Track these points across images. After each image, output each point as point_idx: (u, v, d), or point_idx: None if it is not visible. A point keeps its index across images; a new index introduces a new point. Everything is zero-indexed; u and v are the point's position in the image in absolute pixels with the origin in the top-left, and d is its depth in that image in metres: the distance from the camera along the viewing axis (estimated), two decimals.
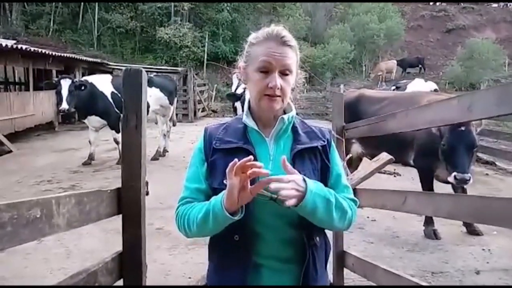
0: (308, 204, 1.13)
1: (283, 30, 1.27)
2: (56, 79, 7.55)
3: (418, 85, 9.48)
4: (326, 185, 1.27)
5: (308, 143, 1.30)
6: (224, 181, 1.20)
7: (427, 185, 4.38)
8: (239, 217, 1.15)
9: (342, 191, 1.31)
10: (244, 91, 5.99)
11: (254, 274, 1.23)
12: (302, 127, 1.36)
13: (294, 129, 1.33)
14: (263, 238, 1.24)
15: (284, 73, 1.24)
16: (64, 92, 6.98)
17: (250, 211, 1.21)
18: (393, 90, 9.10)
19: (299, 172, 1.22)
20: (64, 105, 6.98)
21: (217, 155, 1.28)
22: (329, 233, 1.43)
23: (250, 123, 1.32)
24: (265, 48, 1.25)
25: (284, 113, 1.33)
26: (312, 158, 1.28)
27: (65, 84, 7.02)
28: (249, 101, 1.37)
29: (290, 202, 1.10)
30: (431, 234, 4.25)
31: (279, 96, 1.24)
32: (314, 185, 1.16)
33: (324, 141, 1.33)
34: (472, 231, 4.33)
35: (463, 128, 3.69)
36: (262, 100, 1.25)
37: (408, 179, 6.22)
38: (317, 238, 1.28)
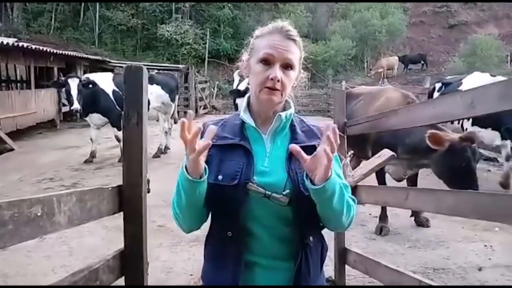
0: (330, 187, 1.10)
1: (288, 25, 1.27)
2: (62, 78, 7.59)
3: (479, 80, 6.40)
4: None
5: (305, 141, 1.28)
6: (219, 177, 1.21)
7: (381, 180, 4.35)
8: (204, 178, 1.13)
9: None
10: (247, 88, 5.97)
11: (246, 271, 1.23)
12: (301, 125, 1.34)
13: (292, 127, 1.32)
14: (256, 235, 1.23)
15: (285, 67, 1.23)
16: (74, 92, 7.00)
17: (244, 207, 1.20)
18: (440, 87, 7.28)
19: (295, 171, 1.22)
20: (76, 105, 7.02)
21: (213, 151, 1.26)
22: (329, 233, 1.42)
23: (247, 119, 1.31)
24: (268, 41, 1.24)
25: (284, 110, 1.32)
26: None
27: (74, 83, 7.04)
28: (248, 97, 1.35)
29: (322, 174, 1.07)
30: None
31: (279, 90, 1.23)
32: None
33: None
34: (419, 221, 4.49)
35: (474, 144, 3.63)
36: (261, 92, 1.24)
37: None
38: (311, 238, 1.26)
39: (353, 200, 1.30)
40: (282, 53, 1.22)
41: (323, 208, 1.17)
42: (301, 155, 1.09)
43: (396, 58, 23.24)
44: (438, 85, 7.55)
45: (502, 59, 21.88)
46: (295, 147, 1.09)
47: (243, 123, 1.31)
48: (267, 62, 1.23)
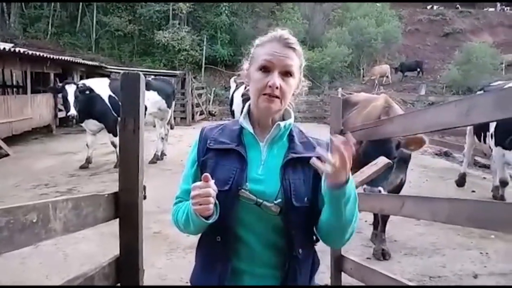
0: (347, 190, 1.08)
1: (287, 33, 1.28)
2: (59, 84, 7.60)
3: None
4: (317, 197, 1.23)
5: (302, 152, 1.27)
6: (213, 180, 1.20)
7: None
8: (214, 219, 1.16)
9: None
10: None
11: (234, 277, 1.23)
12: (300, 136, 1.33)
13: (291, 138, 1.31)
14: (245, 241, 1.23)
15: (285, 74, 1.24)
16: (71, 98, 7.02)
17: (234, 213, 1.21)
18: None
19: (289, 180, 1.21)
20: (73, 111, 7.04)
21: (210, 155, 1.29)
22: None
23: (246, 125, 1.31)
24: (267, 49, 1.25)
25: (283, 119, 1.32)
26: (305, 169, 1.25)
27: (71, 89, 7.06)
28: (249, 104, 1.36)
29: (340, 178, 1.05)
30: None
31: (278, 97, 1.23)
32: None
33: None
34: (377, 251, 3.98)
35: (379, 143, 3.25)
36: (260, 99, 1.24)
37: (406, 182, 6.20)
38: (300, 250, 1.23)
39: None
40: (281, 60, 1.23)
41: (335, 214, 1.13)
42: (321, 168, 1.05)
43: (388, 66, 23.50)
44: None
45: (497, 66, 22.06)
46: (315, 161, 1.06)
47: (241, 129, 1.32)
48: (266, 69, 1.23)
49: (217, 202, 1.16)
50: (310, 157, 1.24)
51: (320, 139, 1.38)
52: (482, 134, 5.47)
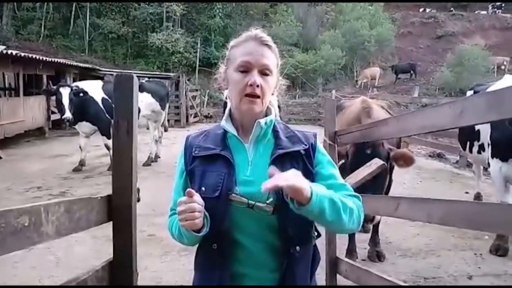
0: (315, 207, 1.07)
1: (261, 32, 1.28)
2: (54, 86, 7.54)
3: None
4: None
5: (289, 147, 1.26)
6: (202, 189, 1.20)
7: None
8: (205, 232, 1.16)
9: (339, 189, 1.24)
10: None
11: (233, 282, 1.22)
12: (285, 131, 1.32)
13: (276, 134, 1.30)
14: (243, 245, 1.21)
15: (263, 73, 1.24)
16: (65, 101, 6.98)
17: (228, 219, 1.19)
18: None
19: None
20: (68, 114, 6.99)
21: (196, 163, 1.28)
22: (321, 241, 1.39)
23: (229, 128, 1.30)
24: (244, 48, 1.25)
25: (266, 116, 1.31)
26: (293, 164, 1.23)
27: (65, 92, 7.01)
28: (230, 107, 1.35)
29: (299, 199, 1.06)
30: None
31: (259, 97, 1.22)
32: (318, 187, 1.11)
33: (306, 145, 1.28)
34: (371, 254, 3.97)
35: (368, 152, 3.15)
36: (242, 101, 1.24)
37: (400, 183, 6.23)
38: (297, 248, 1.22)
39: (357, 197, 1.27)
40: (259, 59, 1.23)
41: (319, 222, 1.16)
42: (278, 185, 1.04)
43: (378, 68, 23.80)
44: (469, 93, 5.72)
45: (489, 68, 22.26)
46: (269, 182, 1.04)
47: (225, 132, 1.31)
48: (244, 69, 1.23)
49: (207, 214, 1.16)
50: (297, 151, 1.24)
51: (306, 131, 1.37)
52: (469, 143, 4.88)
